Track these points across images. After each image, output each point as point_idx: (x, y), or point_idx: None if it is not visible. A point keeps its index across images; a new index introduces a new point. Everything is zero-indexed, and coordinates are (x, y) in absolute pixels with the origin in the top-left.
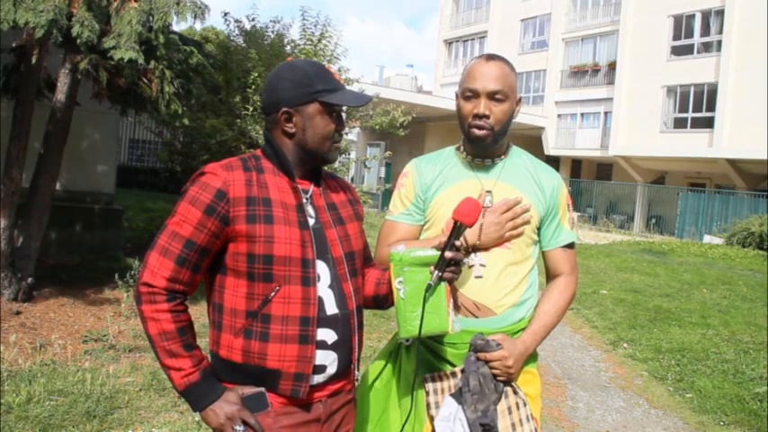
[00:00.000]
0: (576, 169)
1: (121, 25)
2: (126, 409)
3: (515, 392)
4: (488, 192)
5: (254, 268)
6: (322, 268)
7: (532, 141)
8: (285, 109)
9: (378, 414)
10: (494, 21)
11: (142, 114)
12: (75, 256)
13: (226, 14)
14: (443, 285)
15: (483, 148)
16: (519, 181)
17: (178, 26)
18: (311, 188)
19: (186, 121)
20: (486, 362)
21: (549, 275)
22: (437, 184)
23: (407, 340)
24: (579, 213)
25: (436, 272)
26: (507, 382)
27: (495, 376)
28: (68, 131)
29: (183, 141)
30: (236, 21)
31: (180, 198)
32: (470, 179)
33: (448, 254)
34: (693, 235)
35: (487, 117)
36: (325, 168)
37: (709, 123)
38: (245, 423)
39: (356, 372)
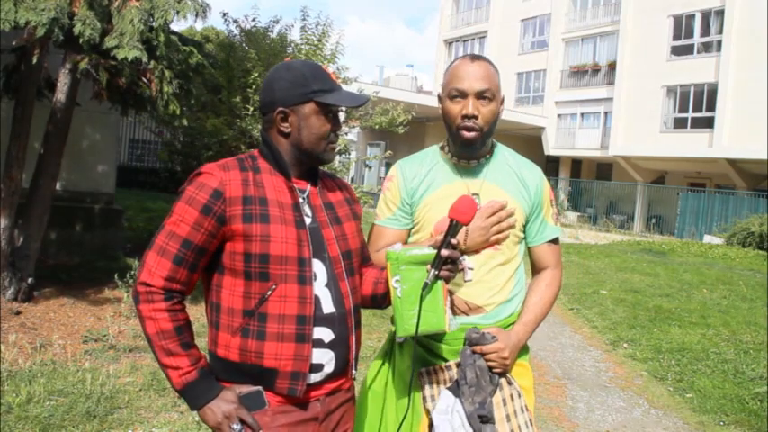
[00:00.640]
0: (575, 169)
1: (123, 24)
2: (126, 409)
3: (510, 384)
4: (475, 194)
5: (250, 267)
6: (318, 267)
7: (532, 141)
8: (281, 109)
9: (376, 412)
10: (494, 21)
11: (142, 114)
12: (75, 256)
13: (225, 15)
14: (440, 284)
15: (472, 151)
16: (504, 181)
17: (178, 25)
18: (308, 188)
19: (185, 122)
20: (482, 354)
21: (535, 269)
22: (423, 187)
23: (404, 339)
24: (579, 213)
25: (433, 270)
26: (502, 374)
27: (490, 368)
28: (68, 131)
29: (183, 141)
30: (235, 21)
31: (177, 198)
32: (456, 182)
33: (444, 252)
34: (693, 235)
35: (476, 117)
36: (324, 168)
37: (709, 123)
38: (242, 422)
39: (354, 370)
